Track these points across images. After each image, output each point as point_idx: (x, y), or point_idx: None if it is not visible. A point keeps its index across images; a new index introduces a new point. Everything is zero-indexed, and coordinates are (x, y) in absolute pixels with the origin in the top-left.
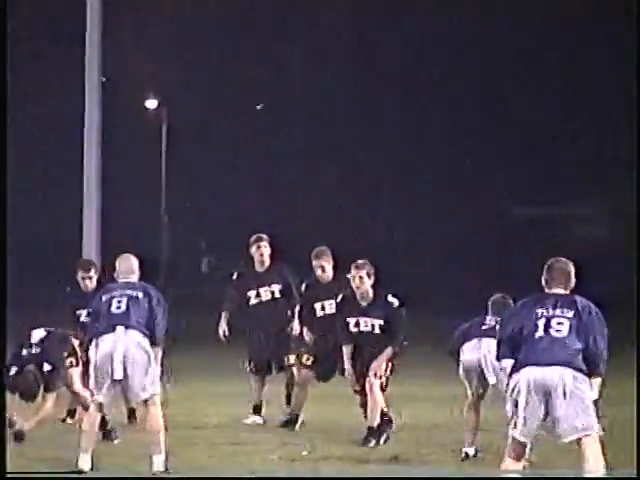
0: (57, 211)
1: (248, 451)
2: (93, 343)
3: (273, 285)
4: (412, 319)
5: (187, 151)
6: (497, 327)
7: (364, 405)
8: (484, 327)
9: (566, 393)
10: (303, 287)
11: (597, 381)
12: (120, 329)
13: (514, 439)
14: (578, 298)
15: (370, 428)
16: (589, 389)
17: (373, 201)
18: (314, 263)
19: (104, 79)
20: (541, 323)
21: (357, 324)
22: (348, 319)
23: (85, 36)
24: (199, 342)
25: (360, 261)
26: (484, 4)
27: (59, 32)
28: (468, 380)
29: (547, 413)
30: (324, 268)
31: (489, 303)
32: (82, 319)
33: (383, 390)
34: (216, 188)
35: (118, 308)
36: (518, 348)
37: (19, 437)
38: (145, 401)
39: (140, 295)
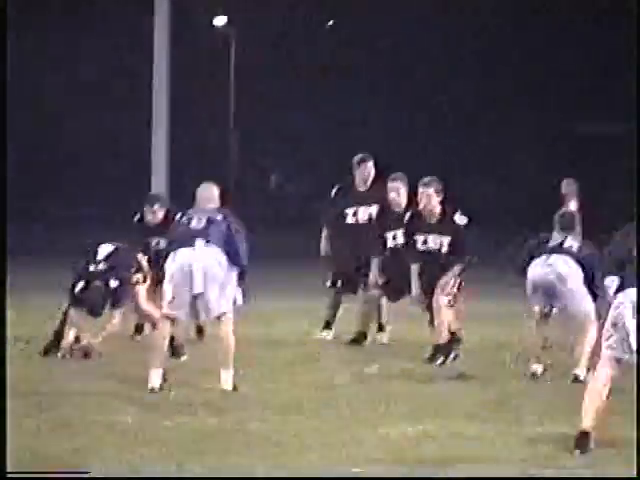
0: (127, 130)
1: (315, 367)
2: (171, 256)
3: (373, 206)
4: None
5: (257, 71)
6: (564, 243)
7: (433, 323)
8: (551, 244)
9: None
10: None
11: None
12: (200, 243)
13: (611, 358)
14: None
15: (437, 346)
16: None
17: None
18: (389, 185)
19: None
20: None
21: (425, 242)
22: (416, 236)
23: None
24: (267, 259)
25: (427, 178)
26: None
27: None
28: (535, 298)
29: None
30: (399, 192)
31: (555, 218)
32: (152, 245)
33: (451, 306)
34: (285, 108)
35: (198, 225)
36: (623, 268)
37: (87, 353)
38: (218, 317)
39: (220, 217)
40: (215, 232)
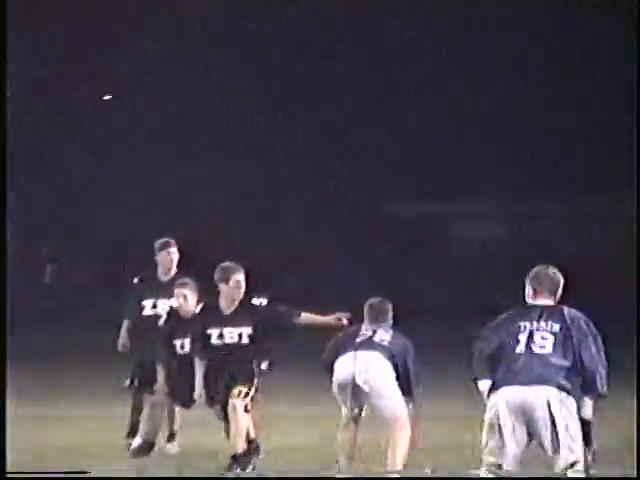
0: None
1: None
2: None
3: (172, 299)
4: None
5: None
6: (373, 336)
7: (228, 431)
8: (359, 339)
9: (549, 416)
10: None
11: (589, 402)
12: None
13: (492, 464)
14: (566, 309)
15: (234, 456)
16: (574, 411)
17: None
18: (175, 291)
19: None
20: (523, 337)
21: (221, 335)
22: (209, 330)
23: None
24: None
25: (227, 264)
26: None
27: None
28: (342, 398)
29: (530, 439)
30: (186, 298)
31: (365, 308)
32: None
33: (247, 412)
34: (61, 180)
35: None
36: (497, 366)
37: None
38: None
39: None
40: None
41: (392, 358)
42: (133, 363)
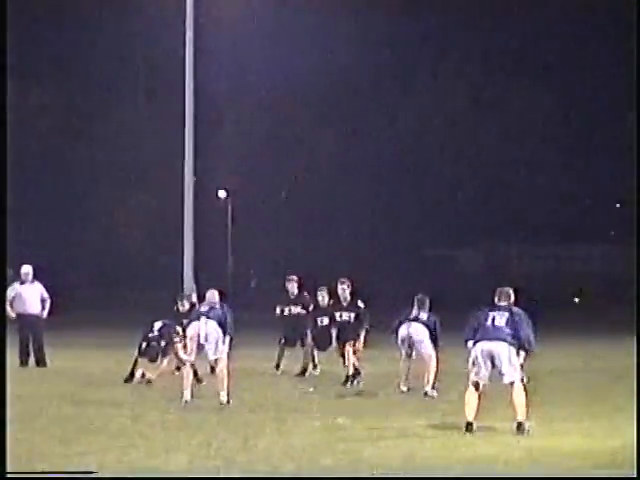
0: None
1: (281, 387)
2: (188, 327)
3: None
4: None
5: None
6: (419, 315)
7: (345, 362)
8: (411, 316)
9: (505, 355)
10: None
11: (522, 352)
12: (203, 319)
13: (473, 380)
14: (514, 308)
15: (347, 376)
16: (515, 354)
17: None
18: (319, 292)
19: None
20: (490, 318)
21: (341, 316)
22: (335, 313)
23: None
24: None
25: (343, 278)
26: None
27: None
28: (402, 346)
29: (493, 367)
30: (323, 297)
31: (414, 299)
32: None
33: (355, 354)
34: None
35: (204, 309)
36: (476, 332)
37: (148, 382)
38: (216, 360)
39: (218, 306)
40: (214, 313)
41: (428, 327)
42: (286, 330)
